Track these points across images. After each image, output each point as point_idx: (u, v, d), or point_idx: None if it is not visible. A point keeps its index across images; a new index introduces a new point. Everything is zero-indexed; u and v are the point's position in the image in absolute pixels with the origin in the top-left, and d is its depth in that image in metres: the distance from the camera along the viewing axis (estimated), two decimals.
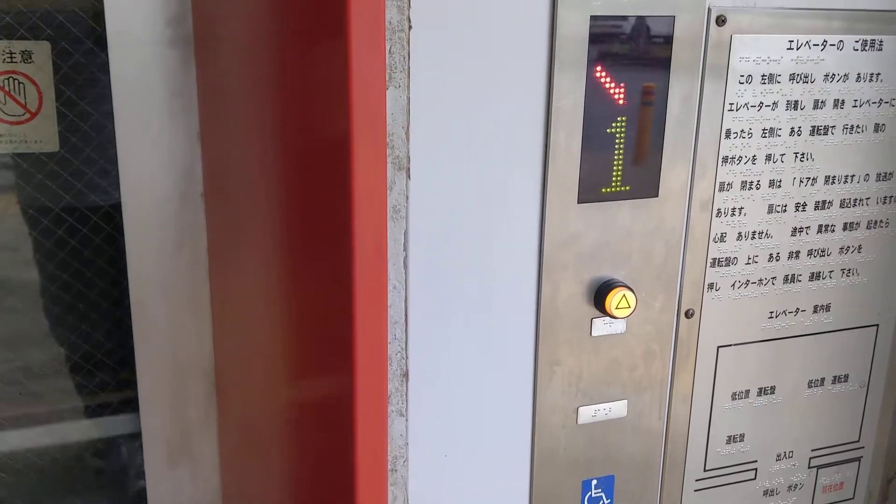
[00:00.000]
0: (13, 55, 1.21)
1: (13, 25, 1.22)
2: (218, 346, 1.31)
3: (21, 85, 1.22)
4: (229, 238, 1.21)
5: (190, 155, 1.23)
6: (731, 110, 0.83)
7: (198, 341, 1.30)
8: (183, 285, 1.28)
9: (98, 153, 1.31)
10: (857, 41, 0.85)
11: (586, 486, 0.87)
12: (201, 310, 1.30)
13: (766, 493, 0.97)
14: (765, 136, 0.85)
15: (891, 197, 0.92)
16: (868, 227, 0.92)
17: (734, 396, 0.92)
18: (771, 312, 0.91)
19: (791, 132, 0.86)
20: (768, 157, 0.86)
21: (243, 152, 1.08)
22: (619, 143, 0.79)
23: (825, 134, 0.87)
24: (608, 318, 0.82)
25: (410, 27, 0.72)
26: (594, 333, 0.83)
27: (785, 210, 0.88)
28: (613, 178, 0.80)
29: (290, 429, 1.00)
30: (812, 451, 0.98)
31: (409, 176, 0.76)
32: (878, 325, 0.96)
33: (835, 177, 0.89)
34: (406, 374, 0.80)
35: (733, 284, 0.88)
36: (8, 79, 1.21)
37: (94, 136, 1.30)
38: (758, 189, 0.86)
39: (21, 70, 1.22)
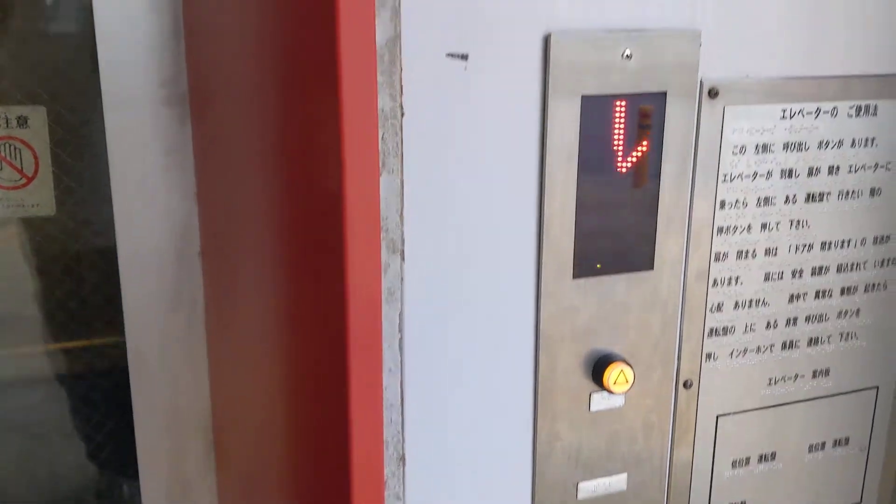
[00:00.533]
0: (9, 121, 1.22)
1: (8, 91, 1.22)
2: (216, 404, 1.31)
3: (17, 150, 1.23)
4: (227, 296, 1.21)
5: (187, 213, 1.23)
6: (725, 181, 0.83)
7: (196, 398, 1.30)
8: (181, 343, 1.28)
9: (95, 214, 1.31)
10: (850, 107, 0.85)
11: None
12: (199, 367, 1.29)
13: None
14: (759, 206, 0.84)
15: (888, 260, 0.91)
16: (866, 291, 0.91)
17: (735, 464, 0.91)
18: (770, 379, 0.90)
19: (786, 200, 0.85)
20: (764, 226, 0.85)
21: (239, 213, 1.08)
22: (613, 218, 0.79)
23: (821, 201, 0.87)
24: (606, 392, 0.82)
25: (403, 114, 0.72)
26: (593, 408, 0.83)
27: (781, 277, 0.87)
28: (608, 253, 0.80)
29: (288, 496, 0.99)
30: None
31: (403, 258, 0.76)
32: (877, 386, 0.96)
33: (831, 242, 0.88)
34: (403, 458, 0.79)
35: (731, 353, 0.88)
36: (4, 144, 1.22)
37: (90, 198, 1.30)
38: (754, 258, 0.86)
39: (17, 135, 1.22)
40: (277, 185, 0.91)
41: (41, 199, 1.26)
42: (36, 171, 1.24)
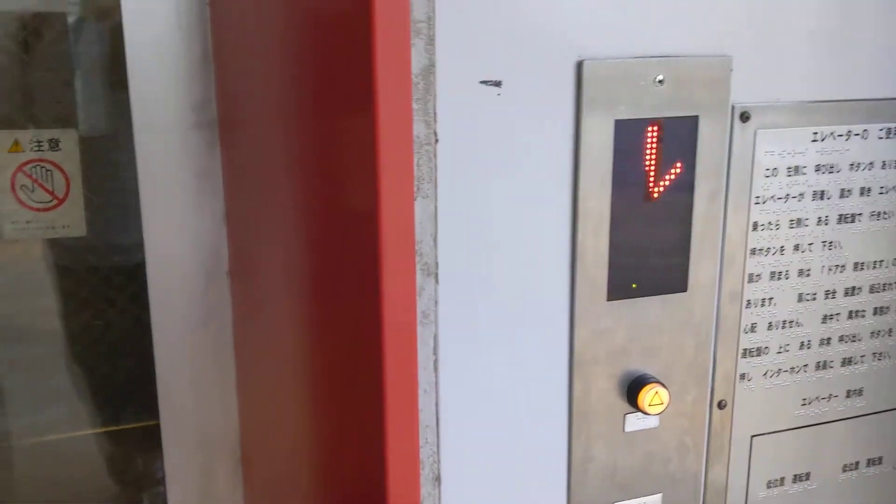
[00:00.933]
0: (41, 143, 1.23)
1: (39, 115, 1.24)
2: (244, 423, 1.32)
3: (48, 172, 1.24)
4: (255, 316, 1.22)
5: (216, 235, 1.24)
6: (757, 203, 0.83)
7: (224, 417, 1.31)
8: (209, 362, 1.29)
9: (125, 235, 1.33)
10: (881, 129, 0.85)
11: None
12: (227, 385, 1.30)
13: None
14: (792, 227, 0.85)
15: None
16: None
17: (769, 485, 0.91)
18: (804, 399, 0.90)
19: (818, 222, 0.85)
20: (796, 248, 0.85)
21: (268, 235, 1.09)
22: (647, 241, 0.79)
23: (852, 222, 0.87)
24: (641, 413, 0.82)
25: (437, 140, 0.73)
26: (627, 429, 0.83)
27: (815, 298, 0.87)
28: (642, 275, 0.80)
29: None
30: None
31: (437, 281, 0.76)
32: None
33: (864, 263, 0.88)
34: (438, 478, 0.80)
35: (765, 374, 0.88)
36: (36, 167, 1.24)
37: (120, 219, 1.32)
38: (787, 279, 0.86)
39: (49, 158, 1.24)
40: (308, 209, 0.92)
41: (72, 220, 1.27)
42: (67, 193, 1.26)
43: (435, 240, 0.76)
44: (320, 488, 0.99)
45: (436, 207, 0.75)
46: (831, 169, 0.84)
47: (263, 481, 1.27)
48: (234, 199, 1.21)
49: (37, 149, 1.24)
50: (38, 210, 1.25)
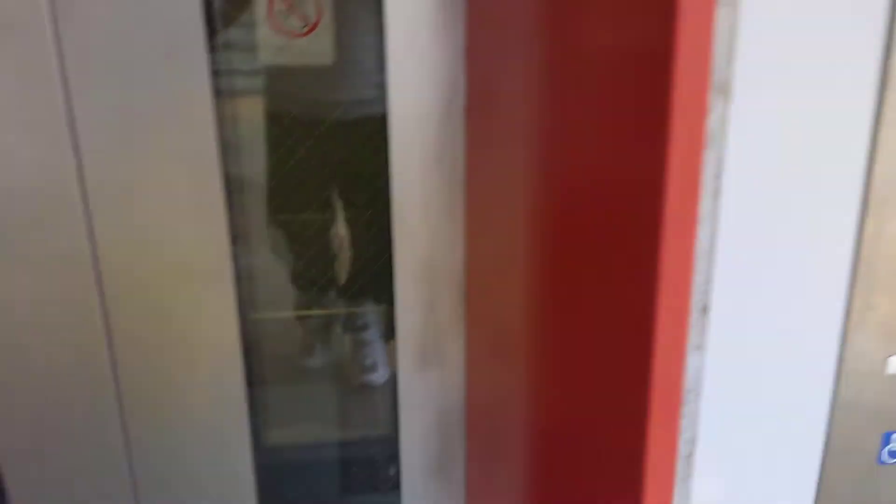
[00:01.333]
0: None
1: None
2: (470, 256, 1.34)
3: None
4: (489, 153, 1.21)
5: (455, 69, 1.23)
6: None
7: (451, 250, 1.34)
8: (441, 197, 1.31)
9: (368, 67, 1.35)
10: None
11: (886, 438, 0.82)
12: (456, 220, 1.32)
13: None
14: None
15: None
16: None
17: None
18: None
19: None
20: None
21: (513, 67, 1.06)
22: None
23: None
24: None
25: None
26: None
27: None
28: None
29: (549, 347, 1.00)
30: None
31: (728, 99, 0.71)
32: None
33: None
34: (706, 309, 0.77)
35: None
36: None
37: (365, 50, 1.33)
38: None
39: None
40: (573, 27, 0.88)
41: (321, 48, 1.30)
42: (318, 21, 1.28)
43: (731, 55, 0.70)
44: (562, 322, 0.99)
45: (737, 18, 0.69)
46: None
47: (485, 314, 1.29)
48: (476, 32, 1.19)
49: None
50: (290, 35, 1.29)
